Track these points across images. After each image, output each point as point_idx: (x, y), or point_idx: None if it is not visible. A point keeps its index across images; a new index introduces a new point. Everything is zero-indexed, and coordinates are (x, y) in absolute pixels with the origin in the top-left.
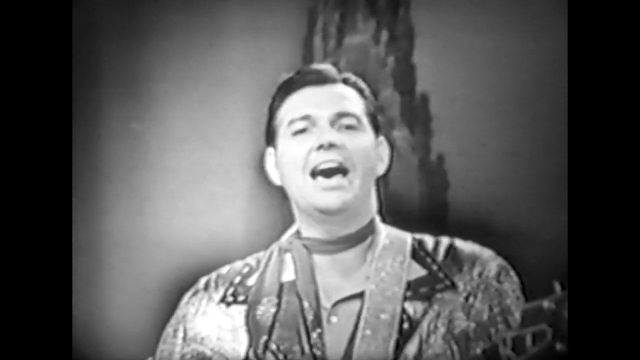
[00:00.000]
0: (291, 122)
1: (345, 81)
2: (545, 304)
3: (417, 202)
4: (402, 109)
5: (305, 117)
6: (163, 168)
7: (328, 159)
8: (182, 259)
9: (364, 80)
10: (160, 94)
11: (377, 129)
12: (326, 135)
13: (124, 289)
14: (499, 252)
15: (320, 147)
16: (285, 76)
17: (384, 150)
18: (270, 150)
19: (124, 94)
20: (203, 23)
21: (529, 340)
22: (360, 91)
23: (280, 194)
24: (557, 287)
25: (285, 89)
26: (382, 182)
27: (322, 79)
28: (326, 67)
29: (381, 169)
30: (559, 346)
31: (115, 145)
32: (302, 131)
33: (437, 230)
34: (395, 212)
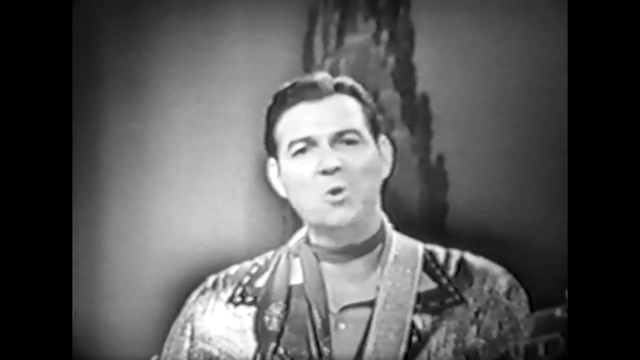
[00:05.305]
0: (291, 143)
1: (340, 87)
2: (558, 312)
3: (417, 202)
4: (402, 109)
5: (305, 139)
6: (163, 168)
7: (334, 182)
8: (182, 259)
9: (361, 80)
10: (160, 93)
11: (377, 132)
12: (328, 160)
13: (124, 289)
14: (498, 253)
15: (325, 172)
16: (280, 87)
17: (387, 150)
18: (272, 161)
19: (124, 94)
20: (203, 23)
21: (541, 349)
22: (357, 96)
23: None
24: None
25: (281, 102)
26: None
27: (318, 94)
28: (321, 78)
29: (386, 171)
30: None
31: (115, 145)
32: (302, 151)
33: (437, 230)
34: (394, 212)
